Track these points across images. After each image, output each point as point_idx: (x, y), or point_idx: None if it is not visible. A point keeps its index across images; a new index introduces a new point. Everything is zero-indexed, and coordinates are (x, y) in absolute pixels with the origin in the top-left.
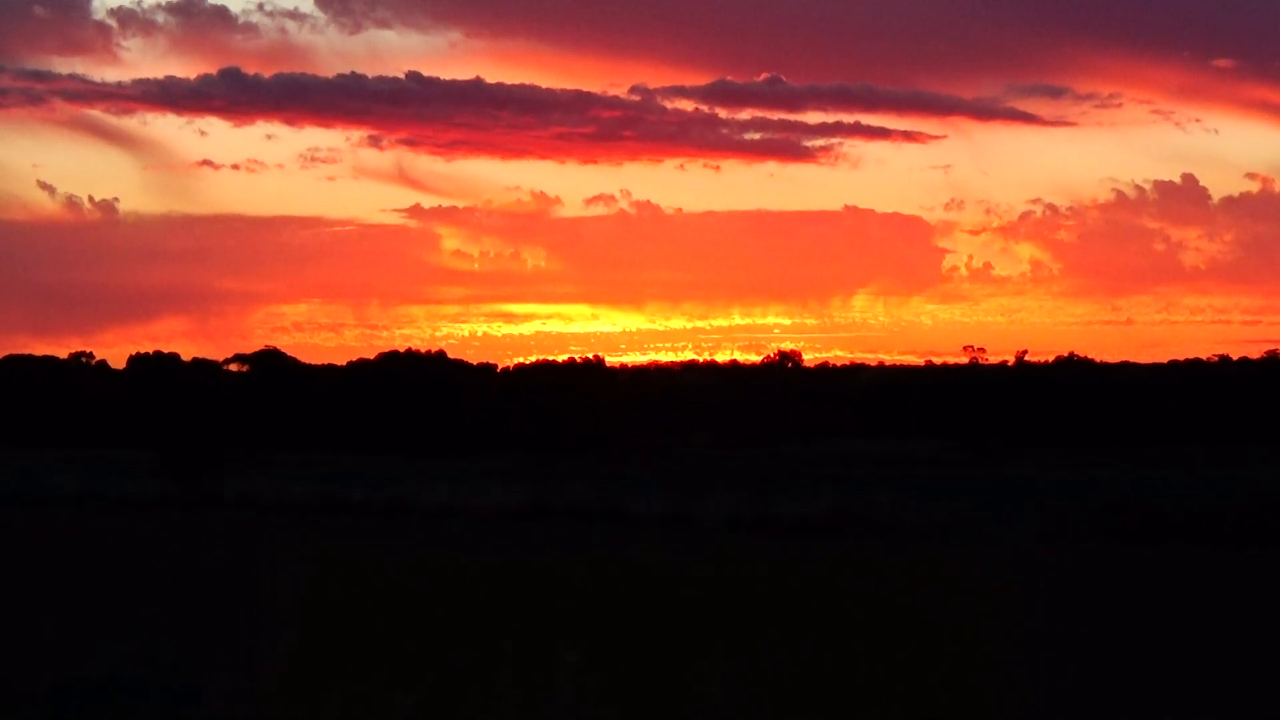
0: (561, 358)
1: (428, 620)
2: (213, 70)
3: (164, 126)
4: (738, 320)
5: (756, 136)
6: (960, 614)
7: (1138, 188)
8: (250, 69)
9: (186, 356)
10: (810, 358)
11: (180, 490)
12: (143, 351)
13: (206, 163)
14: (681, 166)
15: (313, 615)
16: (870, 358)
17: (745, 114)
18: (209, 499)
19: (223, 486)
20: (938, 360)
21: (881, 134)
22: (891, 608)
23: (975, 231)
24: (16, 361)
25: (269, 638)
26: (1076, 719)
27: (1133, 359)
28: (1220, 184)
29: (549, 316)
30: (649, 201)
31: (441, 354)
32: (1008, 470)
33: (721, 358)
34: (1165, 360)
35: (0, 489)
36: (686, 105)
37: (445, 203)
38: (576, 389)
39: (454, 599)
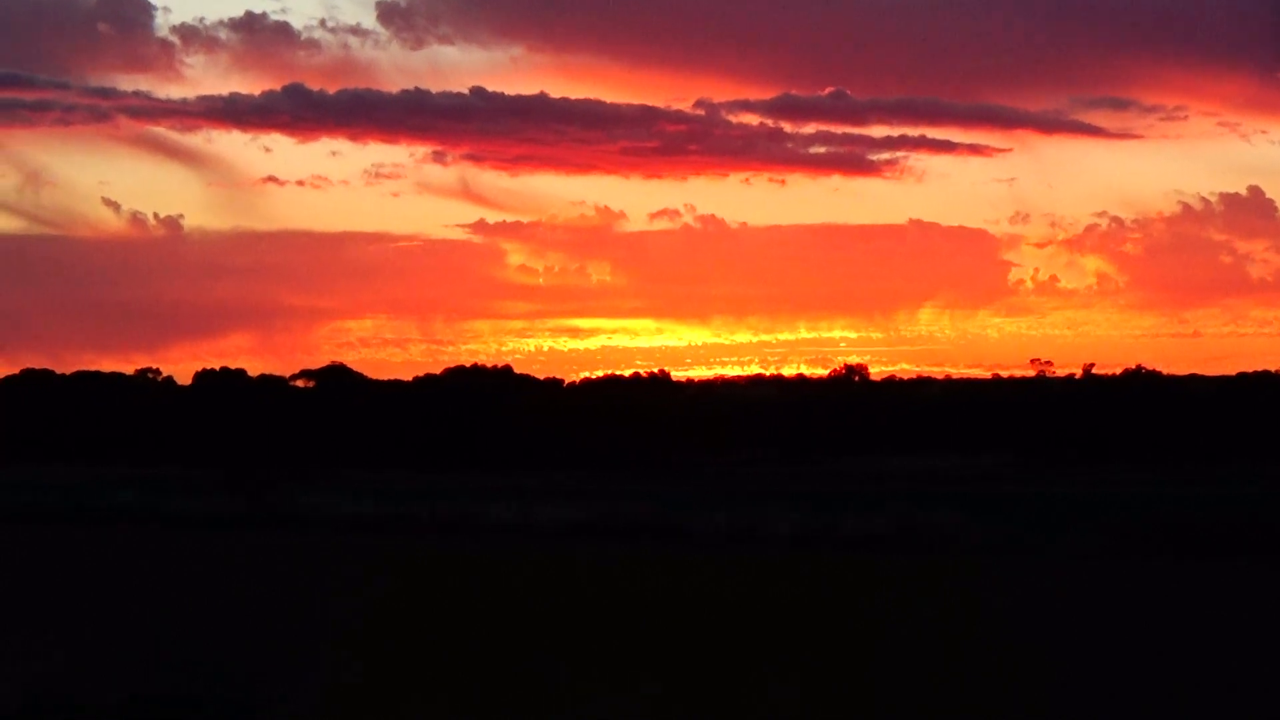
0: (627, 372)
1: (492, 640)
2: (276, 87)
3: (228, 143)
4: (803, 334)
5: (821, 150)
6: (1023, 630)
7: (1204, 200)
8: (314, 85)
9: (253, 372)
10: (876, 371)
11: (247, 507)
12: (209, 368)
13: (271, 179)
14: (746, 180)
15: (377, 635)
16: (937, 371)
17: (810, 128)
18: (275, 516)
19: (289, 503)
20: (1004, 373)
21: (946, 147)
22: (958, 625)
23: (1041, 244)
24: (84, 378)
25: (332, 656)
26: None
27: (1200, 371)
28: None
29: (614, 331)
30: (714, 216)
31: (507, 369)
32: (1074, 484)
33: (788, 371)
34: (1233, 373)
35: (66, 506)
36: (751, 119)
37: (510, 218)
38: (642, 404)
39: (519, 617)
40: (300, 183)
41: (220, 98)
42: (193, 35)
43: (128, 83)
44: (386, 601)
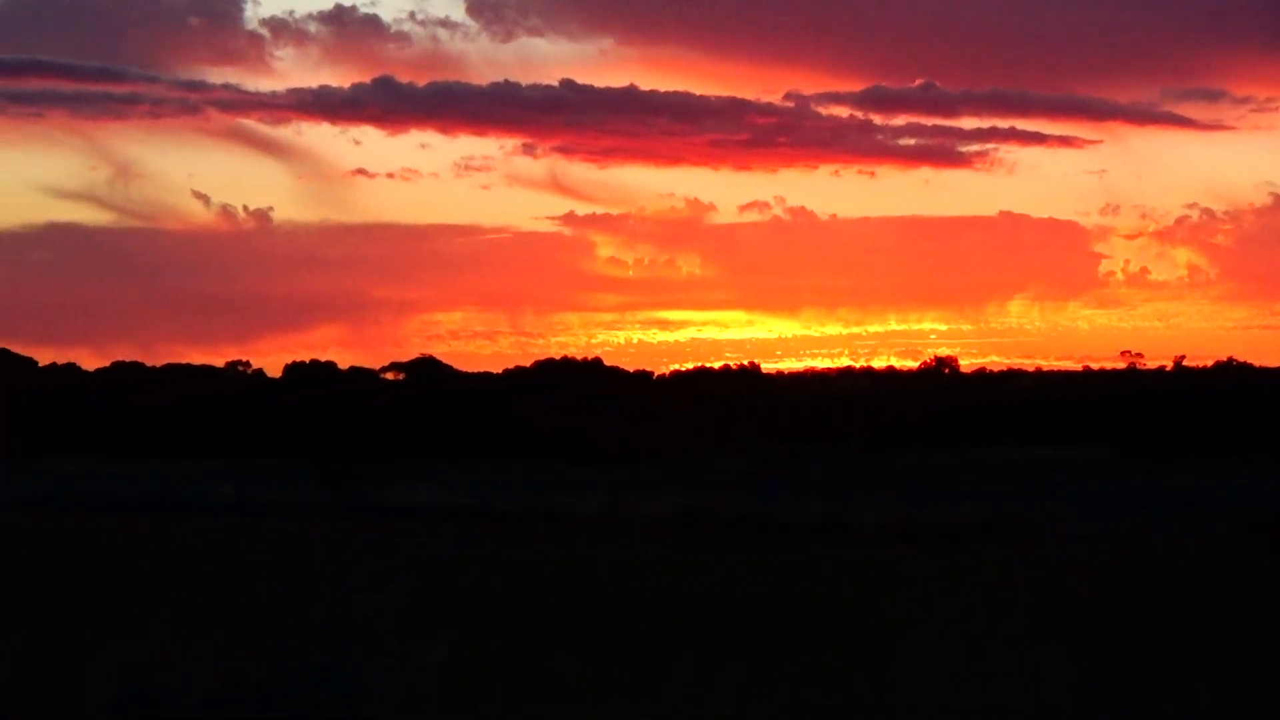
0: (717, 364)
1: (587, 631)
2: (366, 79)
3: (318, 136)
4: (893, 326)
5: (911, 142)
6: (1125, 623)
7: None
8: (403, 78)
9: (343, 365)
10: (967, 363)
11: (338, 499)
12: (299, 360)
13: (361, 171)
14: (836, 173)
15: (472, 625)
16: (1027, 363)
17: (900, 120)
18: (367, 508)
19: (380, 495)
20: (1095, 365)
21: (1037, 139)
22: (1053, 617)
23: (1131, 236)
24: (174, 370)
25: (428, 647)
26: None
27: None
28: None
29: (704, 323)
30: (803, 207)
31: (597, 361)
32: (1167, 477)
33: (877, 364)
34: None
35: (159, 498)
36: (841, 111)
37: (599, 210)
38: (732, 396)
39: (612, 609)
40: (390, 175)
41: (310, 90)
42: (282, 28)
43: (217, 76)
44: (479, 593)
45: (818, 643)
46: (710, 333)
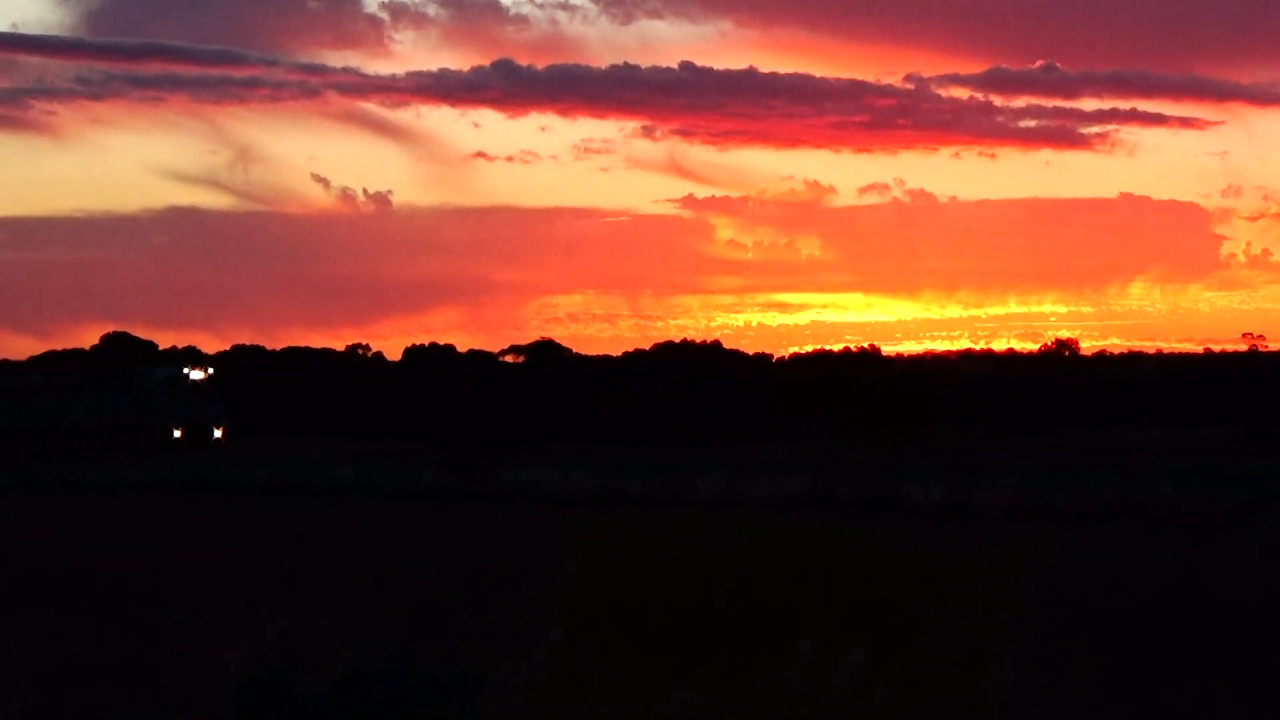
0: (837, 347)
1: (708, 612)
2: (485, 62)
3: (437, 119)
4: (1013, 308)
5: (1032, 124)
6: (1246, 604)
7: None
8: (523, 60)
9: (462, 348)
10: (1087, 346)
11: (458, 481)
12: (418, 343)
13: (480, 154)
14: (956, 155)
15: (593, 606)
16: (1148, 346)
17: (1020, 101)
18: (487, 490)
19: (500, 477)
20: (1216, 348)
21: (1157, 120)
22: (1180, 595)
23: (1253, 218)
24: (295, 354)
25: (550, 628)
26: None
27: None
28: None
29: (824, 306)
30: (923, 190)
31: (717, 344)
32: None
33: (997, 346)
34: None
35: (282, 480)
36: (961, 93)
37: (719, 192)
38: (852, 378)
39: (734, 589)
40: (509, 158)
41: (429, 74)
42: (401, 11)
43: (337, 59)
44: (603, 573)
45: (945, 620)
46: (830, 315)
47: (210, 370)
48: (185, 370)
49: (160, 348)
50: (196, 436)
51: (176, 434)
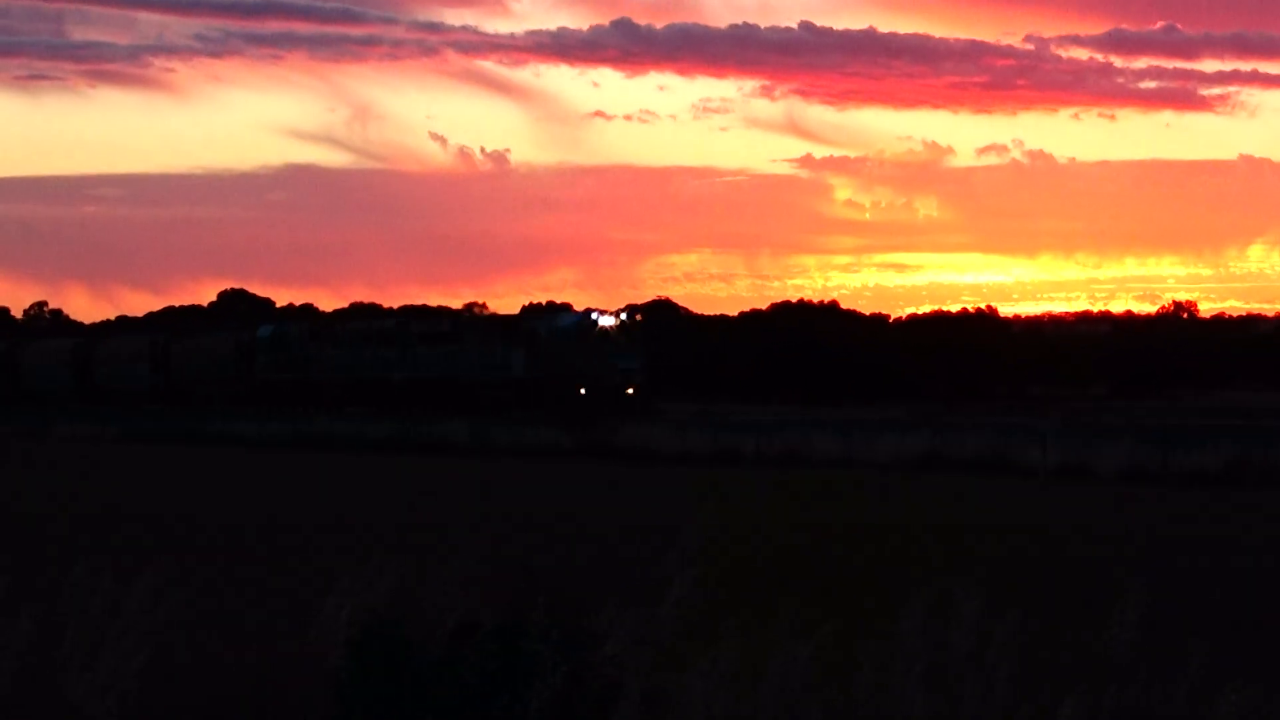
0: (954, 308)
1: (826, 571)
2: (604, 21)
3: (555, 77)
4: (1132, 270)
5: (1152, 85)
6: None
7: None
8: (641, 20)
9: (578, 306)
10: (1206, 308)
11: (572, 439)
12: (535, 301)
13: (599, 114)
14: (1076, 116)
15: (711, 565)
16: (1267, 308)
17: (1141, 62)
18: (601, 448)
19: (615, 436)
20: None
21: (1279, 82)
22: None
23: None
24: (409, 311)
25: (670, 586)
26: None
27: None
28: None
29: (941, 267)
30: (1042, 151)
31: (834, 304)
32: None
33: (1115, 308)
34: None
35: (394, 436)
36: (1081, 54)
37: (837, 152)
38: (969, 339)
39: (852, 549)
40: (627, 117)
41: (547, 32)
42: None
43: (455, 17)
44: (720, 531)
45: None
46: (947, 276)
47: (623, 315)
48: (593, 315)
49: (277, 305)
50: (605, 395)
51: (581, 391)
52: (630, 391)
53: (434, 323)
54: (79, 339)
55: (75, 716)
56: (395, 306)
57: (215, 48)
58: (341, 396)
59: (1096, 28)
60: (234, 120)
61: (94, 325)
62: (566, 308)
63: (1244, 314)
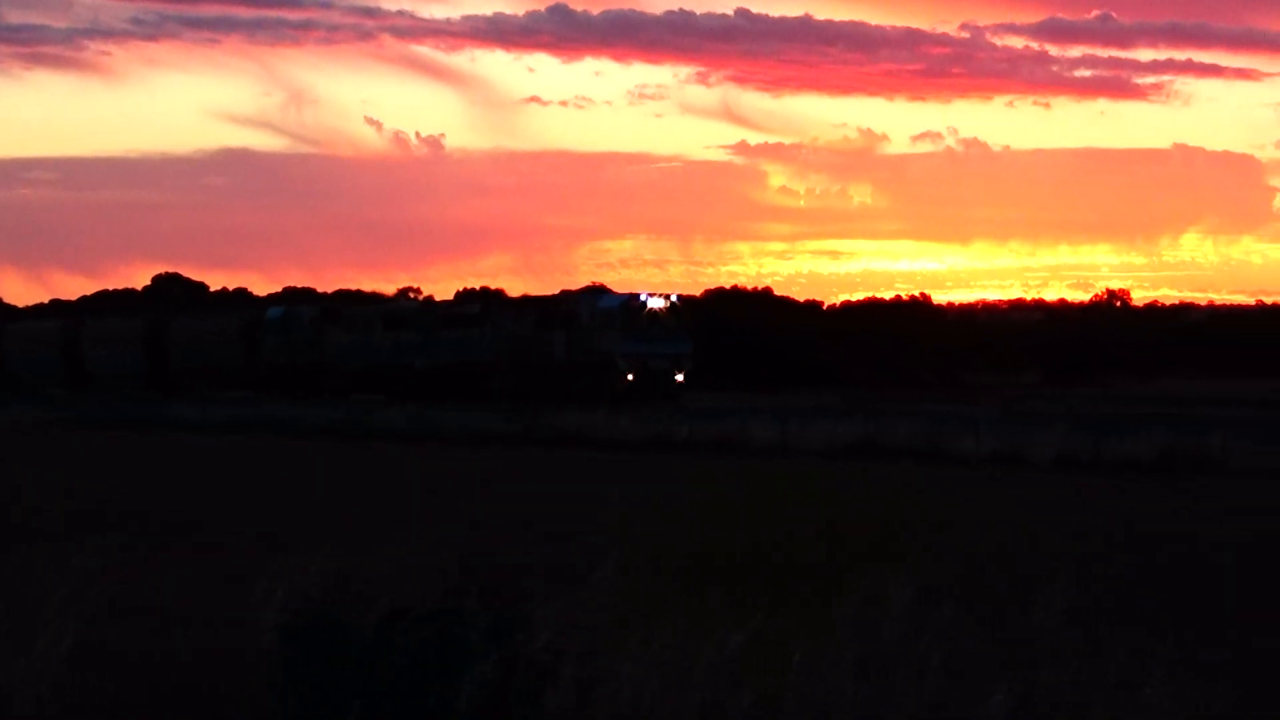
0: (888, 295)
1: (758, 559)
2: (540, 7)
3: (492, 63)
4: (1065, 258)
5: (1087, 74)
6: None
7: None
8: (578, 5)
9: (513, 292)
10: (1139, 296)
11: (512, 425)
12: (469, 287)
13: (534, 99)
14: (1010, 104)
15: (642, 550)
16: (1199, 297)
17: (1076, 51)
18: (537, 434)
19: (553, 422)
20: (1269, 300)
21: (1213, 71)
22: (1228, 545)
23: None
24: (344, 296)
25: (600, 573)
26: None
27: None
28: None
29: (875, 254)
30: (977, 139)
31: (767, 291)
32: None
33: (1049, 295)
34: None
35: (341, 421)
36: (1016, 42)
37: (772, 139)
38: (903, 326)
39: (785, 537)
40: (563, 103)
41: (484, 17)
42: None
43: (391, 2)
44: (652, 518)
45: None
46: (881, 263)
47: (674, 298)
48: (642, 297)
49: (210, 289)
50: (651, 381)
51: (629, 377)
52: (680, 379)
53: (461, 304)
54: (65, 320)
55: (3, 704)
56: (329, 291)
57: (151, 31)
58: (357, 383)
59: (1032, 16)
60: (169, 104)
61: (82, 303)
62: (604, 289)
63: (1177, 302)
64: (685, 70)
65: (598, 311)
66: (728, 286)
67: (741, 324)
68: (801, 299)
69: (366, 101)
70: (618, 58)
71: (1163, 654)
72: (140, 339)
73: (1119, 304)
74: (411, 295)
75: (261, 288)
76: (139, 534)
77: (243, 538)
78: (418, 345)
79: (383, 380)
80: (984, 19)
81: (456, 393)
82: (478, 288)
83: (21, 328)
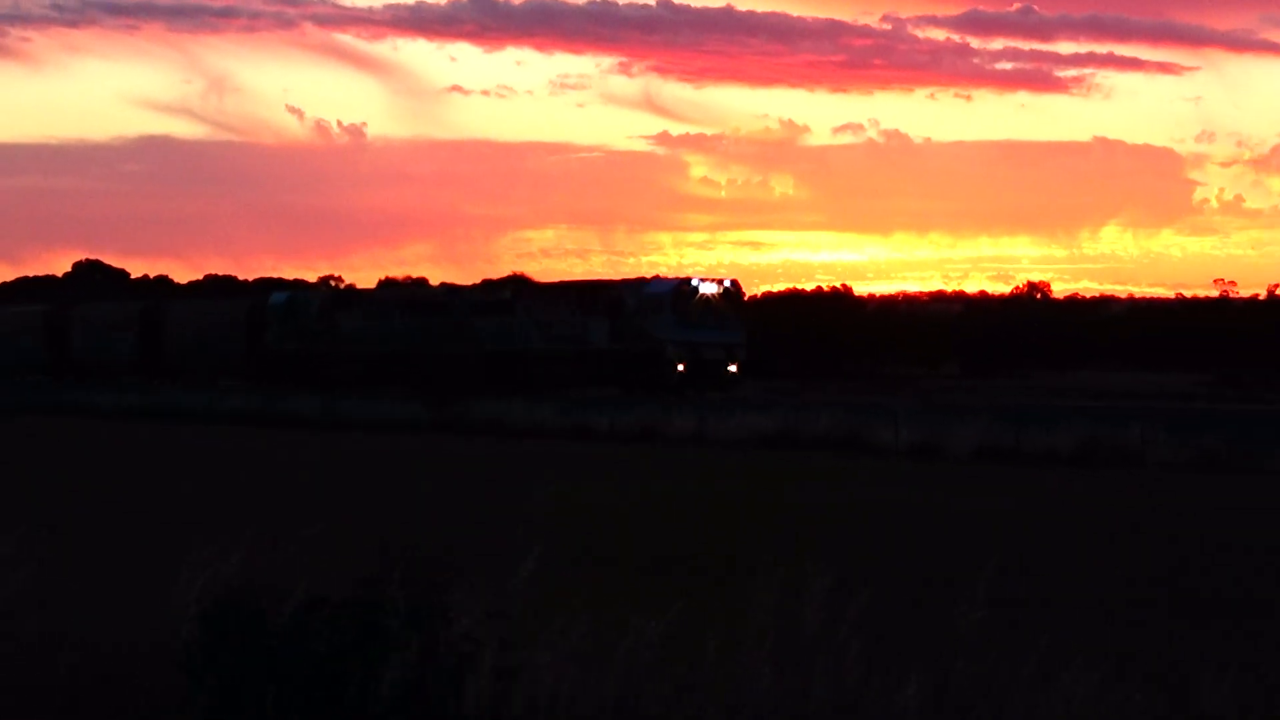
0: (808, 286)
1: (679, 549)
2: None
3: (414, 52)
4: (985, 250)
5: (1008, 66)
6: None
7: None
8: None
9: (434, 281)
10: (1059, 289)
11: (431, 414)
12: (391, 276)
13: (456, 88)
14: (932, 96)
15: (562, 541)
16: (1119, 290)
17: (997, 43)
18: (457, 423)
19: (470, 411)
20: (1188, 293)
21: (1134, 65)
22: (1145, 536)
23: (1226, 164)
24: (266, 284)
25: (519, 561)
26: None
27: None
28: None
29: (796, 245)
30: (898, 130)
31: None
32: (1259, 404)
33: (969, 287)
34: None
35: (255, 409)
36: (938, 34)
37: (693, 130)
38: (823, 318)
39: (705, 527)
40: (485, 93)
41: (406, 6)
42: None
43: None
44: (573, 507)
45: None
46: (802, 254)
47: (728, 283)
48: (694, 281)
49: (131, 276)
50: (704, 371)
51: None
52: (733, 369)
53: (490, 290)
54: (49, 305)
55: None
56: (251, 279)
57: (72, 17)
58: (372, 371)
59: (953, 9)
60: (90, 90)
61: (67, 289)
62: (657, 278)
63: (1097, 295)
64: (607, 60)
65: (646, 296)
66: (649, 277)
67: None
68: None
69: (288, 89)
70: (540, 47)
71: (1078, 645)
72: (135, 324)
73: (1039, 296)
74: (334, 283)
75: (183, 275)
76: (56, 521)
77: (161, 526)
78: (442, 332)
79: (401, 368)
80: (906, 11)
81: (486, 382)
82: (400, 276)
83: (3, 313)
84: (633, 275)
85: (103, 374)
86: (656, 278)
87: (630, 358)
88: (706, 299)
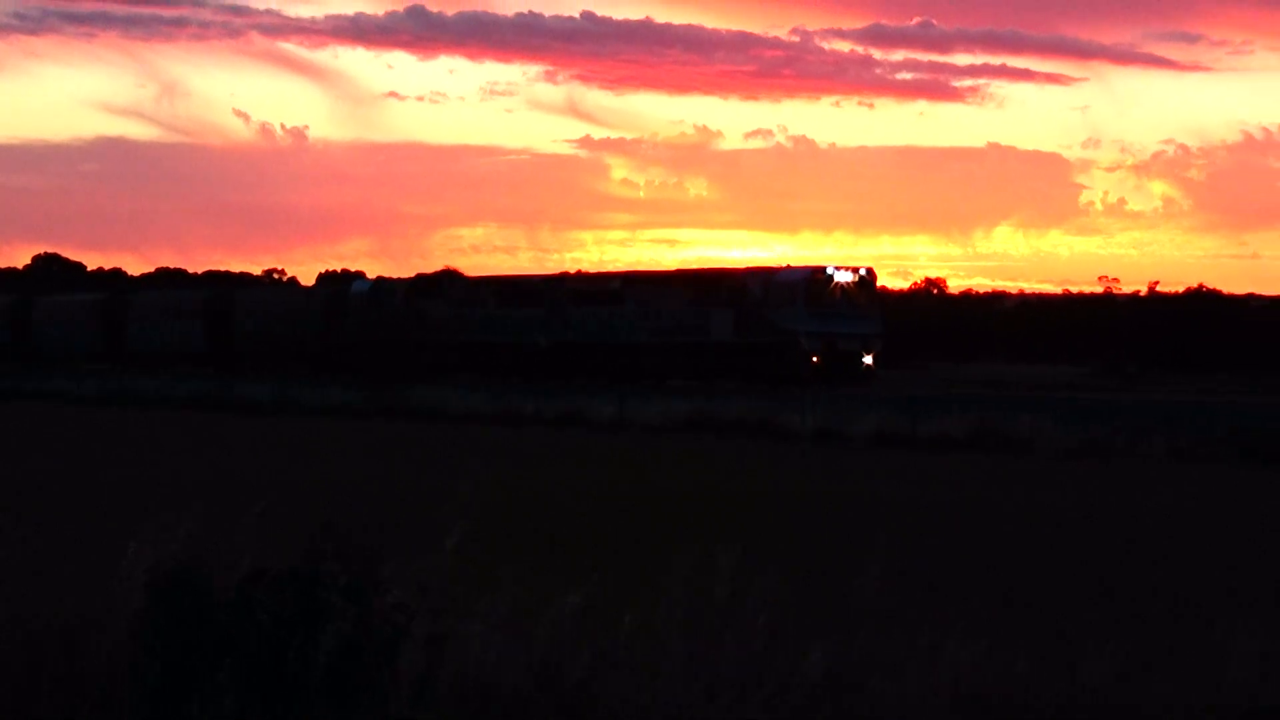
0: None
1: (595, 526)
2: (399, 8)
3: (353, 60)
4: (886, 248)
5: (908, 77)
6: (1101, 525)
7: (1266, 130)
8: (434, 7)
9: (371, 274)
10: (954, 285)
11: (369, 401)
12: (330, 269)
13: (393, 94)
14: (837, 104)
15: (490, 519)
16: (1010, 286)
17: (898, 55)
18: (393, 409)
19: (408, 397)
20: (1074, 289)
21: (1025, 75)
22: (1030, 518)
23: (1111, 169)
24: (213, 276)
25: (448, 536)
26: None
27: (1258, 291)
28: None
29: (709, 242)
30: (805, 136)
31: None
32: (1142, 394)
33: None
34: None
35: (199, 396)
36: (843, 46)
37: (614, 134)
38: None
39: (621, 508)
40: (419, 98)
41: (346, 17)
42: None
43: (260, 1)
44: (500, 486)
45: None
46: (715, 250)
47: (863, 271)
48: (829, 270)
49: (88, 269)
50: (839, 363)
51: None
52: (869, 361)
53: (596, 279)
54: (107, 294)
55: None
56: (200, 272)
57: (32, 25)
58: (462, 360)
59: (858, 22)
60: (49, 94)
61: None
62: (788, 267)
63: (990, 290)
64: (534, 69)
65: (776, 285)
66: (572, 272)
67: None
68: None
69: (235, 94)
70: (471, 56)
71: (966, 617)
72: (200, 313)
73: (936, 292)
74: (275, 277)
75: (135, 268)
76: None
77: (114, 504)
78: (543, 321)
79: (495, 358)
80: (813, 24)
81: (592, 373)
82: (339, 270)
83: (54, 301)
84: (557, 271)
85: (165, 364)
86: (787, 267)
87: (757, 350)
88: (842, 287)
